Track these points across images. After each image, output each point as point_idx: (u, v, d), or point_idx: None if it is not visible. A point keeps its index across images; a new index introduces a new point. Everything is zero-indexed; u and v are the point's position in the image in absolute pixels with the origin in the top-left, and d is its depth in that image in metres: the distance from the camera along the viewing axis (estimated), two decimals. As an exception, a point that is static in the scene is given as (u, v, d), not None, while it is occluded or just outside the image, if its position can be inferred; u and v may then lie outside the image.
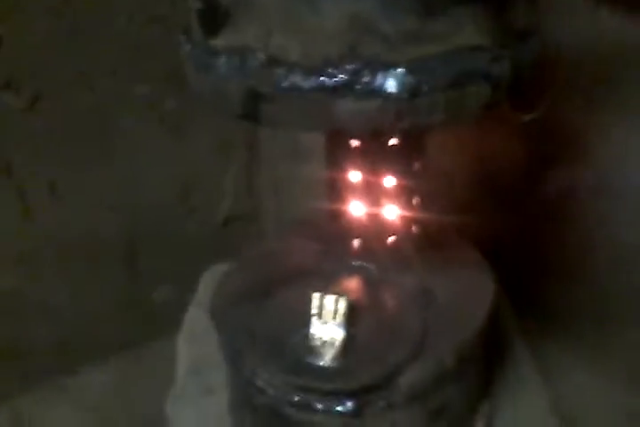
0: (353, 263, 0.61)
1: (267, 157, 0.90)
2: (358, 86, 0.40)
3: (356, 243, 0.61)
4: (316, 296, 0.53)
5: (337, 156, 0.59)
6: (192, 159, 0.85)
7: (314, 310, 0.53)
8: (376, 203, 0.59)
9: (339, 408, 0.51)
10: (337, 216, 0.62)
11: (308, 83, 0.41)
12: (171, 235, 0.87)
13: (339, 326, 0.52)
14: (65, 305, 0.83)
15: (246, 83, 0.43)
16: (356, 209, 0.60)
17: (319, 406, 0.52)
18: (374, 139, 0.56)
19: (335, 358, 0.51)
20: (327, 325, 0.52)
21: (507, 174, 0.77)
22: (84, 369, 0.85)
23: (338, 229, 0.62)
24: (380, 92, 0.40)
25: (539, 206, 0.76)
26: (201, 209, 0.88)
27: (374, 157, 0.57)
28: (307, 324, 0.54)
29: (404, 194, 0.59)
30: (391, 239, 0.60)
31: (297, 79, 0.41)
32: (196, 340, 0.76)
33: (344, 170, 0.59)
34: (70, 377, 0.85)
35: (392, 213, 0.59)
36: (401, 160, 0.57)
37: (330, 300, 0.53)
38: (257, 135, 0.88)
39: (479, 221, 0.69)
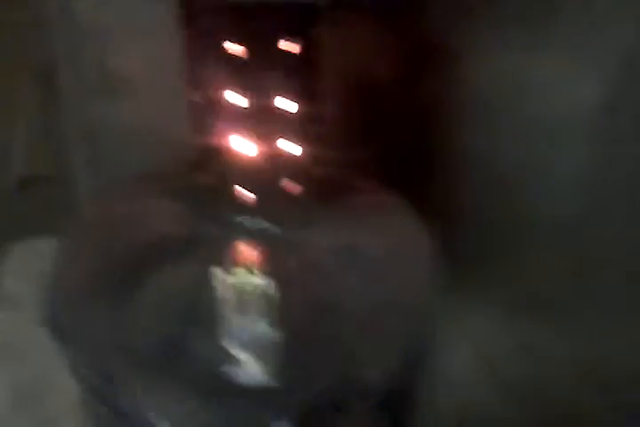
0: (243, 223, 0.44)
1: (69, 94, 0.66)
2: None
3: (239, 196, 0.44)
4: (224, 277, 0.36)
5: (203, 70, 0.41)
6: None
7: (226, 299, 0.36)
8: (267, 136, 0.43)
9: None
10: (205, 161, 0.45)
11: None
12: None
13: (268, 319, 0.36)
14: None
15: None
16: (237, 147, 0.43)
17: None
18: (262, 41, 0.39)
19: (274, 370, 0.35)
20: (250, 319, 0.36)
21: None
22: None
23: (211, 179, 0.45)
24: None
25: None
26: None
27: (265, 72, 0.40)
28: (211, 322, 0.37)
29: (301, 123, 0.43)
30: (287, 186, 0.44)
31: None
32: (16, 356, 0.55)
33: (216, 88, 0.41)
34: None
35: (289, 149, 0.43)
36: (299, 76, 0.41)
37: (248, 280, 0.36)
38: (53, 65, 0.64)
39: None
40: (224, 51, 0.40)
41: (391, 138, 0.65)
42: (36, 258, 0.64)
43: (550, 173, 0.66)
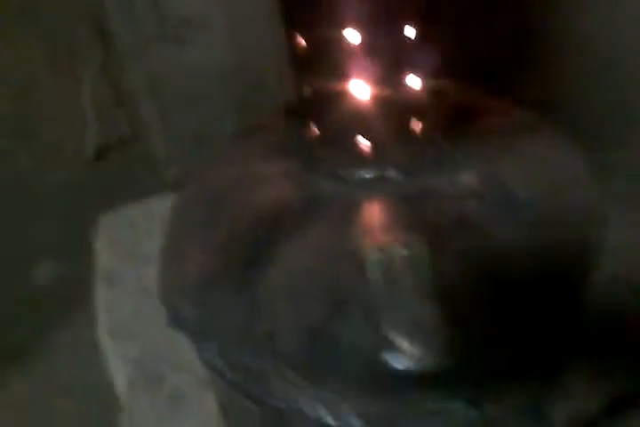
0: (365, 177, 0.38)
1: (129, 47, 0.60)
2: None
3: (359, 143, 0.37)
4: (362, 247, 0.30)
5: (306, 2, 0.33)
6: (23, 78, 0.54)
7: (371, 274, 0.30)
8: (383, 74, 0.35)
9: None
10: (312, 108, 0.38)
11: None
12: (24, 192, 0.57)
13: (424, 293, 0.30)
14: None
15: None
16: (350, 88, 0.36)
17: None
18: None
19: (434, 357, 0.29)
20: (403, 296, 0.30)
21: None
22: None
23: (321, 127, 0.38)
24: None
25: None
26: (57, 145, 0.59)
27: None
28: (357, 303, 0.31)
29: (421, 56, 0.35)
30: (416, 125, 0.37)
31: None
32: (127, 331, 0.51)
33: (320, 25, 0.34)
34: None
35: (409, 85, 0.36)
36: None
37: (392, 249, 0.30)
38: (107, 18, 0.58)
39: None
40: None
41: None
42: (127, 228, 0.60)
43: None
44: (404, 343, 0.29)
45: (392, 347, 0.29)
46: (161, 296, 0.36)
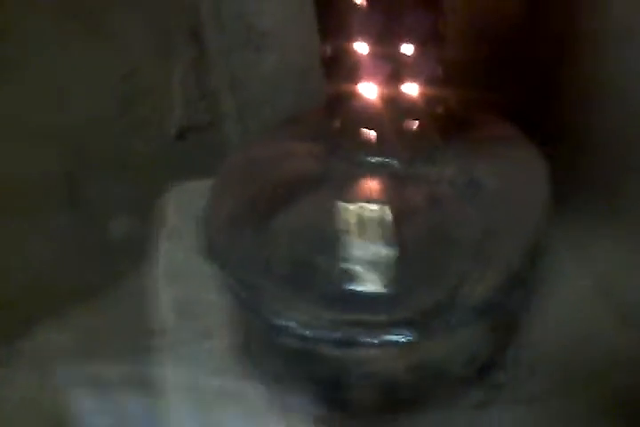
0: (370, 161, 0.49)
1: (217, 50, 0.73)
2: None
3: (368, 134, 0.48)
4: (348, 207, 0.41)
5: (333, 20, 0.45)
6: (126, 62, 0.68)
7: (349, 225, 0.41)
8: (389, 80, 0.46)
9: (394, 339, 0.41)
10: (335, 105, 0.49)
11: None
12: (116, 157, 0.71)
13: (384, 240, 0.41)
14: (5, 259, 0.68)
15: None
16: (364, 90, 0.47)
17: (368, 340, 0.41)
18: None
19: (387, 283, 0.40)
20: (368, 241, 0.41)
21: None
22: (40, 329, 0.72)
23: (342, 122, 0.49)
24: None
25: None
26: (148, 122, 0.72)
27: (386, 18, 0.44)
28: (336, 244, 0.42)
29: (424, 65, 0.46)
30: (414, 124, 0.48)
31: None
32: (179, 278, 0.64)
33: (343, 39, 0.45)
34: (25, 340, 0.72)
35: (411, 90, 0.47)
36: (420, 20, 0.44)
37: (368, 209, 0.41)
38: (201, 25, 0.71)
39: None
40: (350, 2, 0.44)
41: (519, 73, 0.65)
42: (194, 197, 0.73)
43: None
44: (364, 272, 0.40)
45: (355, 274, 0.40)
46: (201, 231, 0.48)
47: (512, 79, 0.64)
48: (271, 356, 0.47)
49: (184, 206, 0.73)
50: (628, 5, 0.61)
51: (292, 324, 0.42)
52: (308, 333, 0.42)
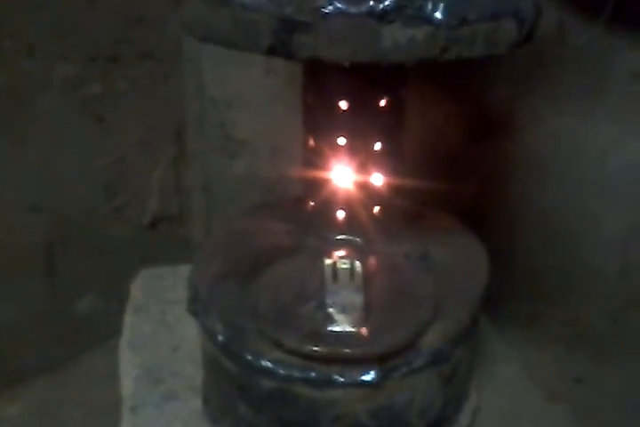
0: (337, 238, 0.58)
1: (196, 152, 0.84)
2: (409, 11, 0.39)
3: (338, 215, 0.58)
4: (327, 261, 0.50)
5: (317, 120, 0.56)
6: (116, 152, 0.77)
7: (327, 276, 0.49)
8: (359, 170, 0.57)
9: (363, 378, 0.48)
10: (311, 188, 0.59)
11: (355, 8, 0.39)
12: (94, 237, 0.78)
13: (356, 289, 0.49)
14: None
15: (278, 12, 0.40)
16: (337, 177, 0.57)
17: (339, 378, 0.48)
18: (363, 100, 0.54)
19: (358, 323, 0.48)
20: (343, 290, 0.49)
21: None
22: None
23: (314, 202, 0.59)
24: (429, 19, 0.39)
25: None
26: (126, 209, 0.80)
27: (360, 121, 0.55)
28: (314, 293, 0.50)
29: (389, 160, 0.57)
30: (377, 209, 0.58)
31: (343, 4, 0.39)
32: (144, 348, 0.68)
33: (324, 136, 0.56)
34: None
35: (376, 180, 0.57)
36: (388, 123, 0.56)
37: (343, 262, 0.49)
38: (184, 128, 0.82)
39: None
40: (333, 106, 0.55)
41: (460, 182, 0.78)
42: (160, 281, 0.79)
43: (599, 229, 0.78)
44: (338, 316, 0.47)
45: (332, 318, 0.48)
46: (189, 286, 0.55)
47: (453, 190, 0.77)
48: (242, 404, 0.52)
49: (151, 287, 0.78)
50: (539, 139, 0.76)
51: (271, 364, 0.48)
52: (284, 372, 0.48)
